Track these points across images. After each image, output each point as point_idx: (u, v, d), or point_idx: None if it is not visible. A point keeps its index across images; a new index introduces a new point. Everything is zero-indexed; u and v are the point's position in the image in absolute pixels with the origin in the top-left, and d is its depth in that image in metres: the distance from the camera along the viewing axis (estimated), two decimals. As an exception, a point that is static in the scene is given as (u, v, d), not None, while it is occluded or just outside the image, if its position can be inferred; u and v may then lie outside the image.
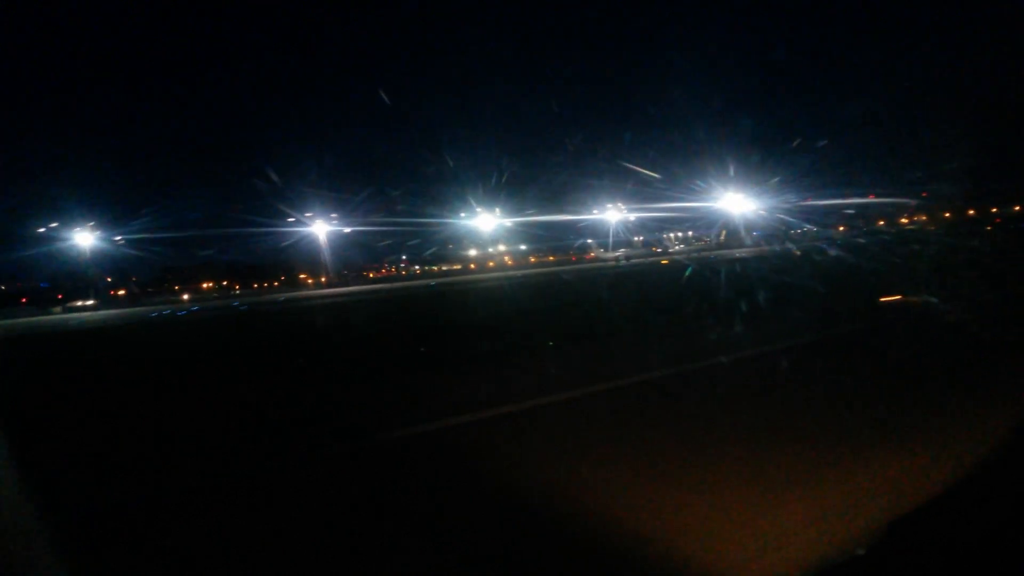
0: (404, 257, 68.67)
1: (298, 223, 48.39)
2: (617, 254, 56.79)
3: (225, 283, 64.32)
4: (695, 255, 46.93)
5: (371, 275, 66.32)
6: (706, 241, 62.95)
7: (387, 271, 68.55)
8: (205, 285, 64.06)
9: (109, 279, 59.46)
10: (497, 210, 53.27)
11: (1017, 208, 50.88)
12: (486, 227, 56.13)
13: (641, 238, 64.50)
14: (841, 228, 53.11)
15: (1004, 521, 2.17)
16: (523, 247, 68.83)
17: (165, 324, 25.78)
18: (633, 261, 49.16)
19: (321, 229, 48.53)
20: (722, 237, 58.41)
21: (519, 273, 46.07)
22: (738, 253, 38.46)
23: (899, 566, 2.15)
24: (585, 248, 63.44)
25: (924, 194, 50.70)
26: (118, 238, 45.10)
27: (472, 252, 66.90)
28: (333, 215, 49.32)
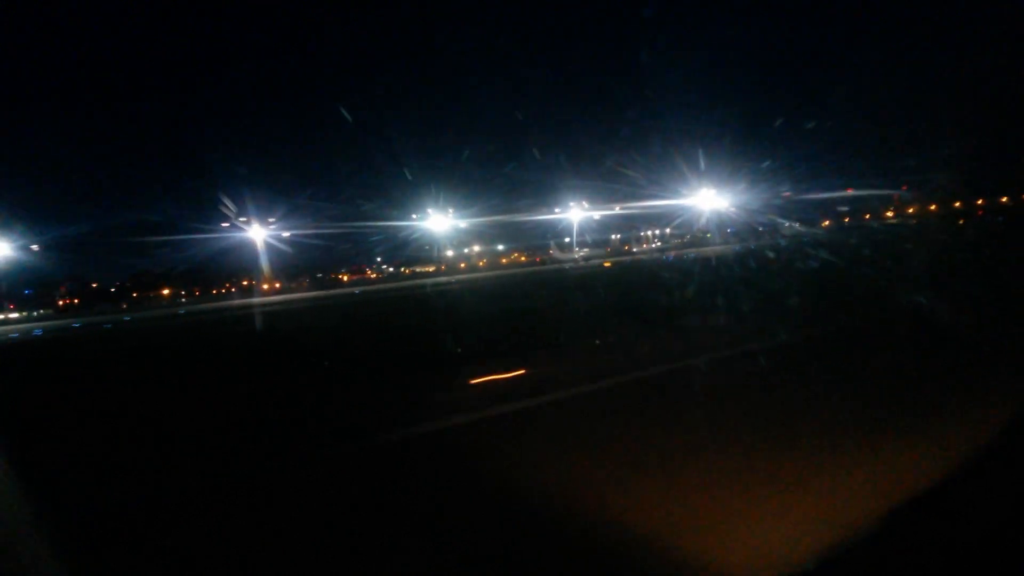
0: (379, 259, 67.79)
1: (268, 227, 46.99)
2: (576, 255, 55.67)
3: (187, 290, 62.37)
4: (656, 255, 46.43)
5: (345, 278, 65.61)
6: (684, 239, 62.75)
7: (366, 274, 67.75)
8: (165, 292, 62.07)
9: (68, 287, 57.72)
10: (471, 211, 52.62)
11: (1004, 199, 49.67)
12: (460, 228, 55.48)
13: (618, 236, 64.43)
14: (825, 223, 52.56)
15: (1003, 521, 2.26)
16: (500, 247, 68.38)
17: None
18: (592, 262, 48.23)
19: (259, 234, 46.76)
20: (699, 234, 58.03)
21: (456, 278, 44.77)
22: (704, 251, 38.40)
23: (899, 565, 2.23)
24: (551, 248, 62.18)
25: (904, 187, 50.24)
26: (33, 246, 42.40)
27: (449, 253, 66.26)
28: (301, 219, 48.26)
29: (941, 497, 2.79)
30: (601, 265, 40.48)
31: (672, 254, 42.28)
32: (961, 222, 38.00)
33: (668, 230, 63.98)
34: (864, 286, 12.49)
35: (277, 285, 57.83)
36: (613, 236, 63.16)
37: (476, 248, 66.47)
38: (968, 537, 2.25)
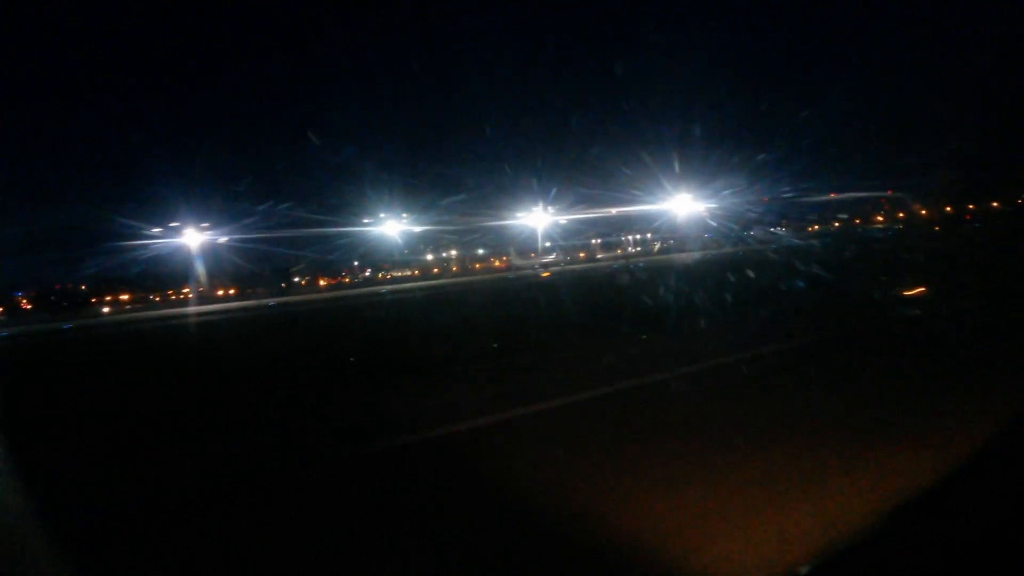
0: (356, 264, 67.20)
1: (239, 232, 45.78)
2: (536, 262, 52.99)
3: (150, 295, 60.85)
4: (622, 262, 45.15)
5: (323, 283, 65.14)
6: (659, 245, 62.52)
7: (343, 279, 67.30)
8: (124, 297, 60.52)
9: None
10: (450, 216, 51.96)
11: (996, 204, 48.15)
12: (439, 233, 55.08)
13: (598, 241, 64.28)
14: (813, 228, 51.15)
15: (1004, 521, 2.33)
16: (480, 251, 68.07)
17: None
18: (539, 270, 46.46)
19: (207, 238, 45.36)
20: (674, 239, 57.57)
21: (398, 288, 44.30)
22: (674, 259, 38.09)
23: (899, 565, 2.28)
24: (511, 254, 60.98)
25: (889, 191, 50.03)
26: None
27: (428, 257, 65.78)
28: (274, 224, 47.37)
29: (941, 497, 2.86)
30: (539, 276, 38.01)
31: (628, 263, 41.35)
32: (937, 228, 38.18)
33: (649, 235, 64.04)
34: (830, 295, 12.11)
35: (234, 291, 56.59)
36: (594, 241, 63.14)
37: (453, 252, 66.28)
38: (968, 537, 2.30)
